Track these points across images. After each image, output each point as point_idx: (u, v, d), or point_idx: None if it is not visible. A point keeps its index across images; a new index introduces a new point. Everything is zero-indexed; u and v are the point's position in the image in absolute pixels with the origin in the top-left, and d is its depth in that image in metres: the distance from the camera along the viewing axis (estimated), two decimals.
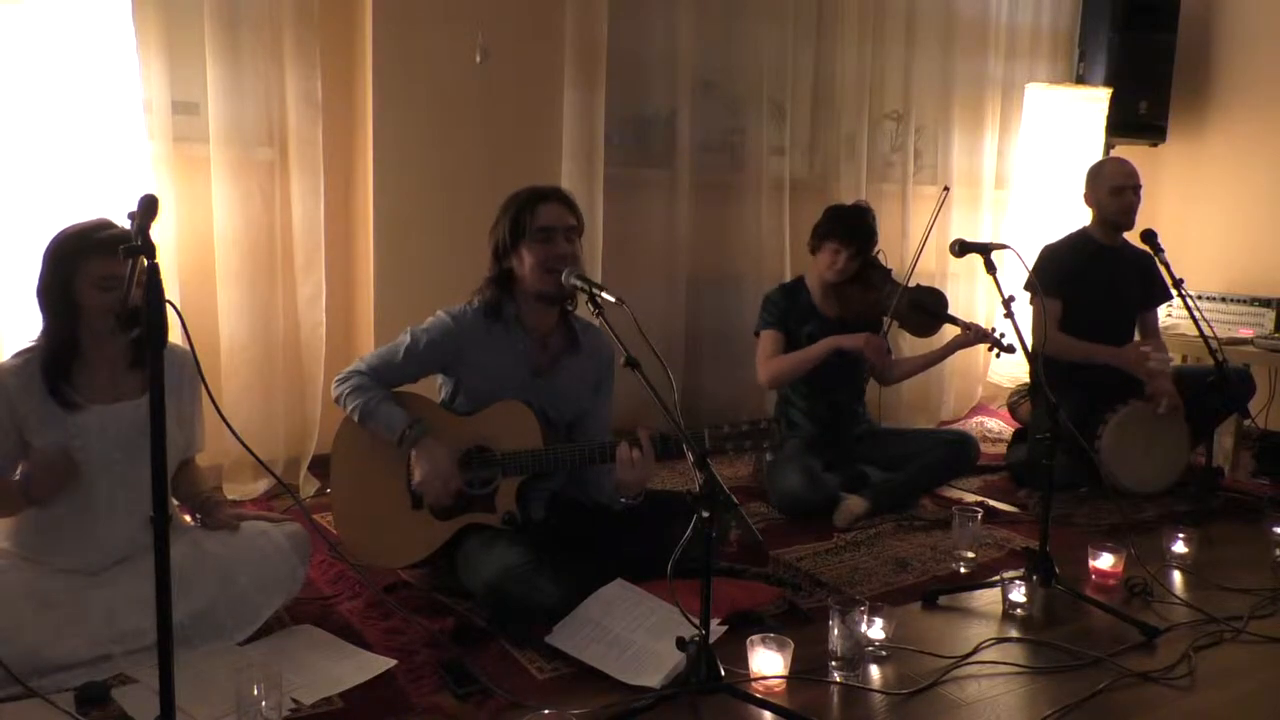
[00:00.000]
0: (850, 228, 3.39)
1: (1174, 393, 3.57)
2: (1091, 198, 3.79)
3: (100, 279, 2.06)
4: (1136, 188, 3.72)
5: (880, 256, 3.50)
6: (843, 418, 3.52)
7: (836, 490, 3.31)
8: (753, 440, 2.39)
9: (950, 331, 3.52)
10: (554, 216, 2.52)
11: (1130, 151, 4.78)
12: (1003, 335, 3.31)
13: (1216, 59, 5.18)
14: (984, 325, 3.45)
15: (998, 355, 3.36)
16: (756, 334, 3.47)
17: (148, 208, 1.62)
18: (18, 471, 2.15)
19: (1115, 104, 4.78)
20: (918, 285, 3.52)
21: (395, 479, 2.53)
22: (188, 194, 3.31)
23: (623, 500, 2.44)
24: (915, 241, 4.67)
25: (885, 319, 3.42)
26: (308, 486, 3.47)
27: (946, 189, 3.53)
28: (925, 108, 4.79)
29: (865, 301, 3.45)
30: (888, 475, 3.44)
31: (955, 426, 4.73)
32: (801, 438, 3.46)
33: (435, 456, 2.44)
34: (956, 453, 3.52)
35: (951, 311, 3.55)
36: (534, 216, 2.51)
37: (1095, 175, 3.79)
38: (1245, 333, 4.53)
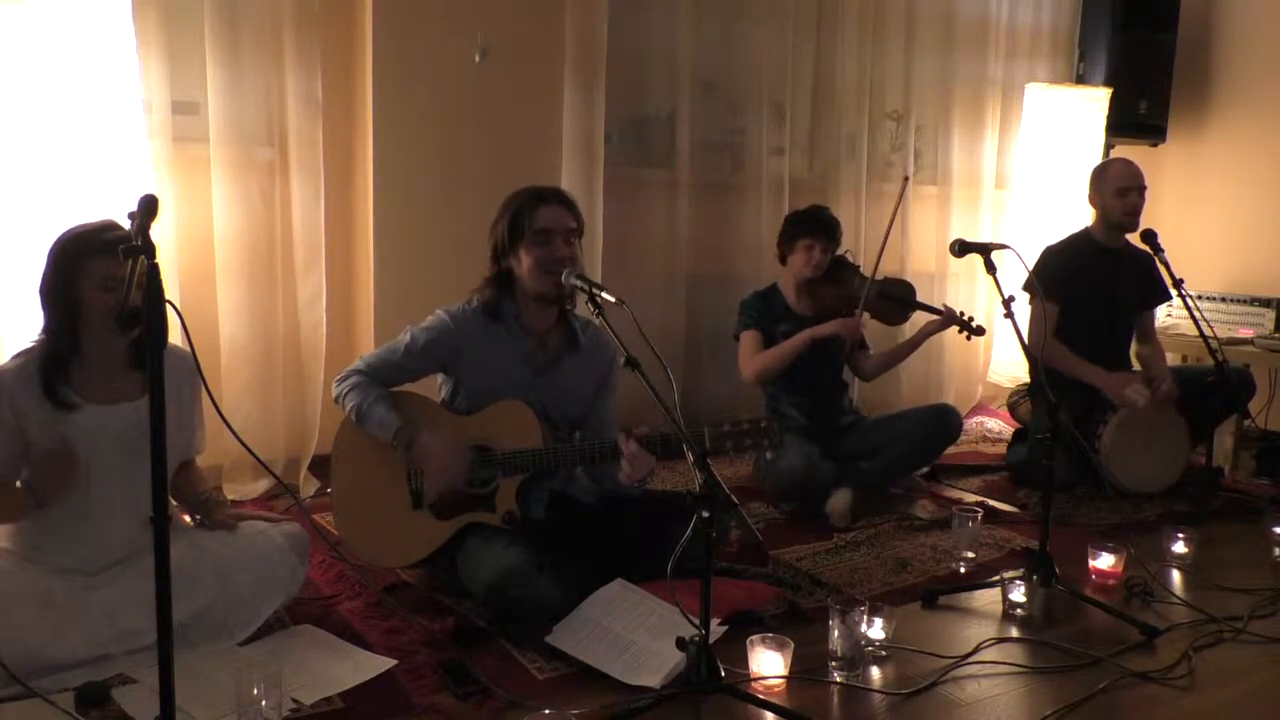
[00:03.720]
0: (817, 223, 3.53)
1: (1170, 383, 3.59)
2: (1096, 198, 3.78)
3: (104, 280, 2.06)
4: (1141, 189, 3.71)
5: (848, 255, 3.62)
6: (827, 409, 3.55)
7: (832, 475, 3.33)
8: (753, 440, 2.39)
9: (921, 321, 3.61)
10: (553, 219, 2.51)
11: (1130, 151, 4.78)
12: (971, 319, 3.46)
13: (1216, 59, 5.18)
14: (977, 321, 3.51)
15: (969, 338, 3.52)
16: (736, 338, 3.56)
17: (148, 208, 1.62)
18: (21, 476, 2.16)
19: (1115, 104, 4.78)
20: (885, 278, 3.62)
21: (395, 479, 2.53)
22: (188, 194, 3.31)
23: (636, 483, 2.46)
24: (914, 240, 4.71)
25: (857, 311, 3.49)
26: (308, 486, 3.47)
27: (906, 178, 3.73)
28: (925, 108, 4.79)
29: (837, 297, 3.55)
30: (873, 462, 3.47)
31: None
32: (794, 429, 3.48)
33: (434, 450, 2.44)
34: (936, 425, 3.52)
35: (922, 300, 3.64)
36: (533, 218, 2.51)
37: (1100, 176, 3.79)
38: (1245, 333, 4.53)
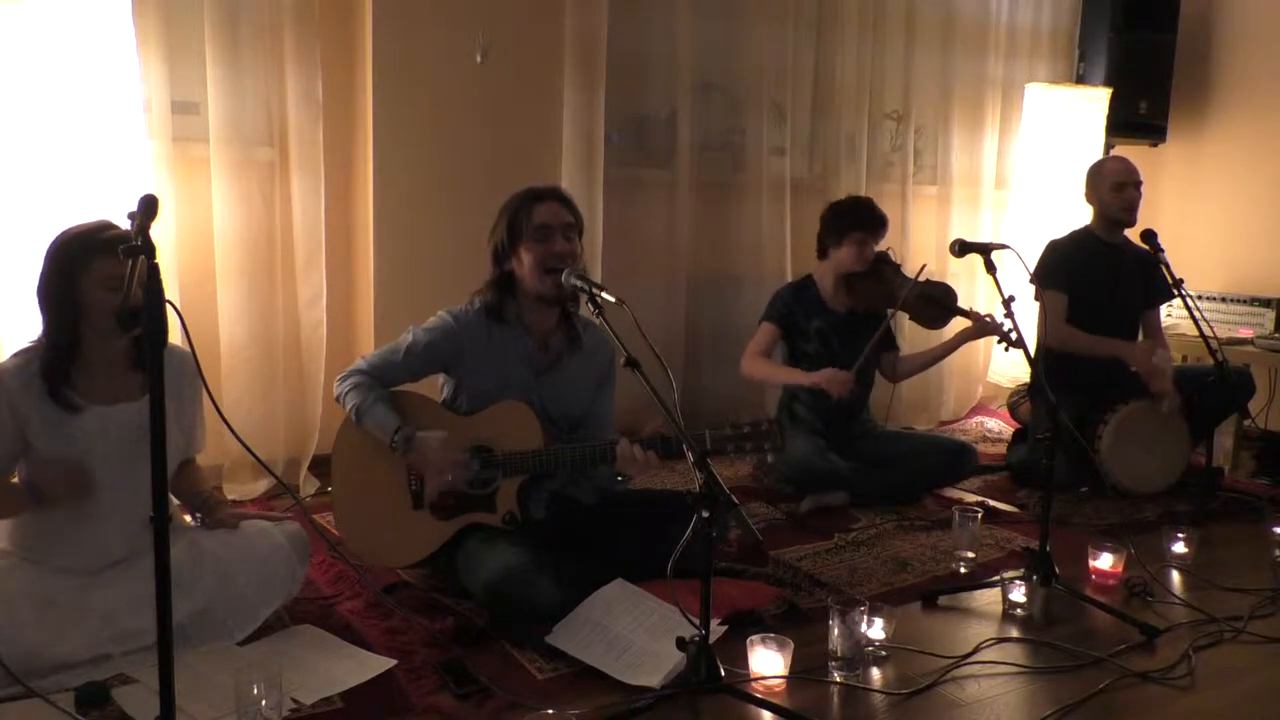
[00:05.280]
0: (871, 216, 3.49)
1: (1174, 393, 3.57)
2: (1093, 196, 3.79)
3: (106, 279, 2.05)
4: (1138, 184, 3.72)
5: (890, 253, 3.57)
6: (845, 415, 3.53)
7: (841, 468, 3.33)
8: (753, 441, 2.39)
9: (959, 326, 3.54)
10: (550, 214, 2.52)
11: (1130, 151, 4.77)
12: (1012, 330, 3.30)
13: (1216, 59, 5.18)
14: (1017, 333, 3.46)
15: (1006, 349, 3.28)
16: (760, 323, 3.56)
17: (148, 208, 1.62)
18: (18, 474, 2.16)
19: (1115, 104, 4.78)
20: (928, 280, 3.51)
21: (396, 479, 2.53)
22: (188, 194, 3.31)
23: (619, 479, 2.50)
24: (915, 241, 4.72)
25: (890, 311, 3.45)
26: (308, 486, 3.47)
27: (925, 266, 3.46)
28: (925, 108, 4.79)
29: (876, 294, 3.51)
30: (878, 470, 3.47)
31: (955, 428, 4.74)
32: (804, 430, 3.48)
33: (433, 450, 2.44)
34: (953, 461, 3.57)
35: (961, 305, 3.56)
36: (531, 215, 2.51)
37: (1096, 173, 3.80)
38: (1245, 333, 4.53)
